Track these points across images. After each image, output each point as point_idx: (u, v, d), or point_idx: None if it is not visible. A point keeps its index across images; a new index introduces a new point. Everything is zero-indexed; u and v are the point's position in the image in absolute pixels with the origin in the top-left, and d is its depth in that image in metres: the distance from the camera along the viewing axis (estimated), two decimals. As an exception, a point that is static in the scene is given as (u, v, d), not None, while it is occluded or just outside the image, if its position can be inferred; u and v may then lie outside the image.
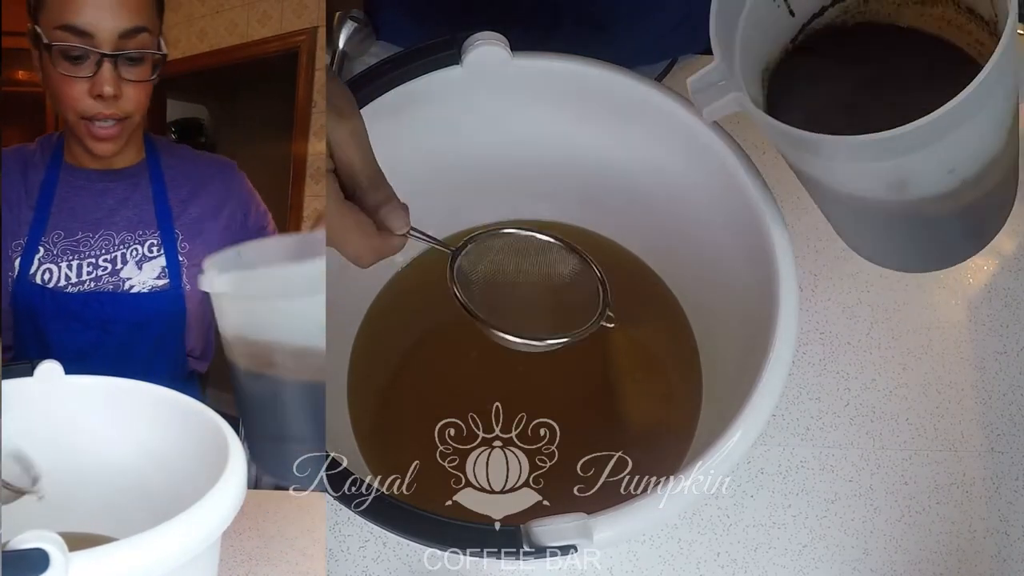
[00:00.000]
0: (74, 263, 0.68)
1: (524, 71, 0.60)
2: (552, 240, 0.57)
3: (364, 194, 0.48)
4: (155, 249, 0.69)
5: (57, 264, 0.68)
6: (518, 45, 0.58)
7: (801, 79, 0.53)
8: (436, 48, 0.58)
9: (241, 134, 1.09)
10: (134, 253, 0.69)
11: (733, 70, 0.51)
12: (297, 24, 1.03)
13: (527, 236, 0.56)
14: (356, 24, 0.75)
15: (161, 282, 0.69)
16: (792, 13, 0.52)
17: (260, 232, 0.73)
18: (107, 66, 0.65)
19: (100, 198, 0.70)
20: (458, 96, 0.61)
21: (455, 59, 0.58)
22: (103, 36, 0.64)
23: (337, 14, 0.72)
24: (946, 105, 0.39)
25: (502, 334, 0.54)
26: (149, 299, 0.69)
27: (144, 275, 0.68)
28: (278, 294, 0.54)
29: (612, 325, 0.55)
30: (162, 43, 0.68)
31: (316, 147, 0.97)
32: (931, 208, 0.48)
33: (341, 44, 0.77)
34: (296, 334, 0.55)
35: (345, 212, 0.47)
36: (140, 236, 0.69)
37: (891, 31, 0.52)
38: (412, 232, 0.51)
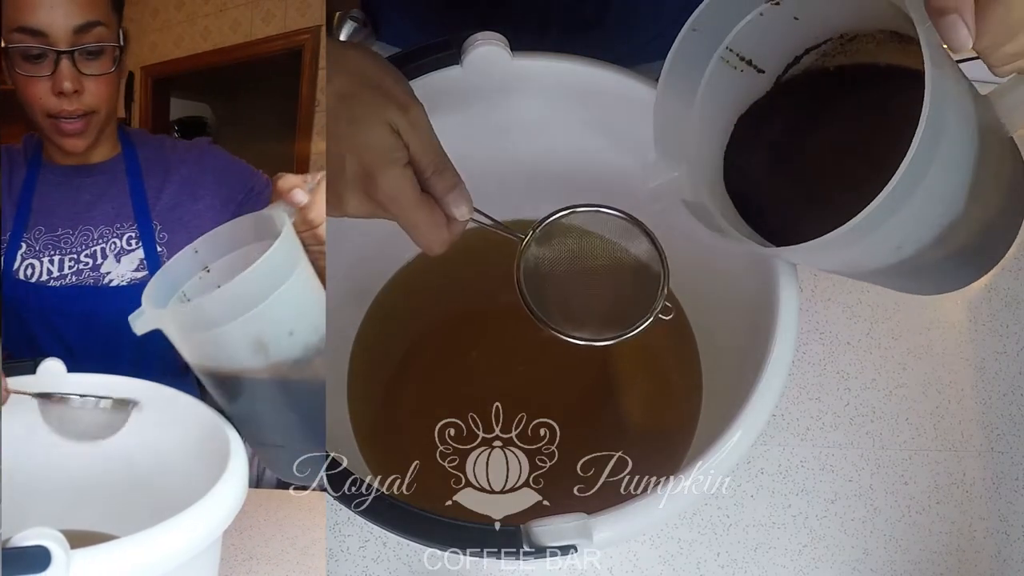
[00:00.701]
0: (56, 258, 0.69)
1: (524, 71, 0.60)
2: (621, 217, 0.54)
3: (429, 181, 0.49)
4: (133, 242, 0.69)
5: (39, 259, 0.68)
6: (512, 46, 0.58)
7: (771, 127, 0.52)
8: (436, 48, 0.59)
9: (244, 133, 1.09)
10: (113, 247, 0.69)
11: (684, 154, 0.52)
12: (301, 23, 1.03)
13: (592, 213, 0.54)
14: (356, 24, 0.75)
15: (140, 274, 0.69)
16: (761, 71, 0.52)
17: (262, 199, 0.72)
18: (65, 63, 0.65)
19: (77, 194, 0.71)
20: (458, 96, 0.61)
21: (455, 59, 0.58)
22: (58, 34, 0.65)
23: (337, 14, 0.72)
24: (861, 214, 0.39)
25: (560, 334, 0.53)
26: (129, 292, 0.68)
27: (123, 268, 0.69)
28: (213, 323, 0.51)
29: (669, 317, 0.54)
30: (121, 36, 0.69)
31: (319, 146, 0.97)
32: (886, 277, 0.49)
33: (342, 44, 0.76)
34: (242, 354, 0.53)
35: (419, 206, 0.48)
36: (118, 230, 0.70)
37: (874, 70, 0.50)
38: (476, 218, 0.51)
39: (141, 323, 0.53)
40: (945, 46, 0.40)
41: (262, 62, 1.08)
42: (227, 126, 1.17)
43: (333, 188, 0.49)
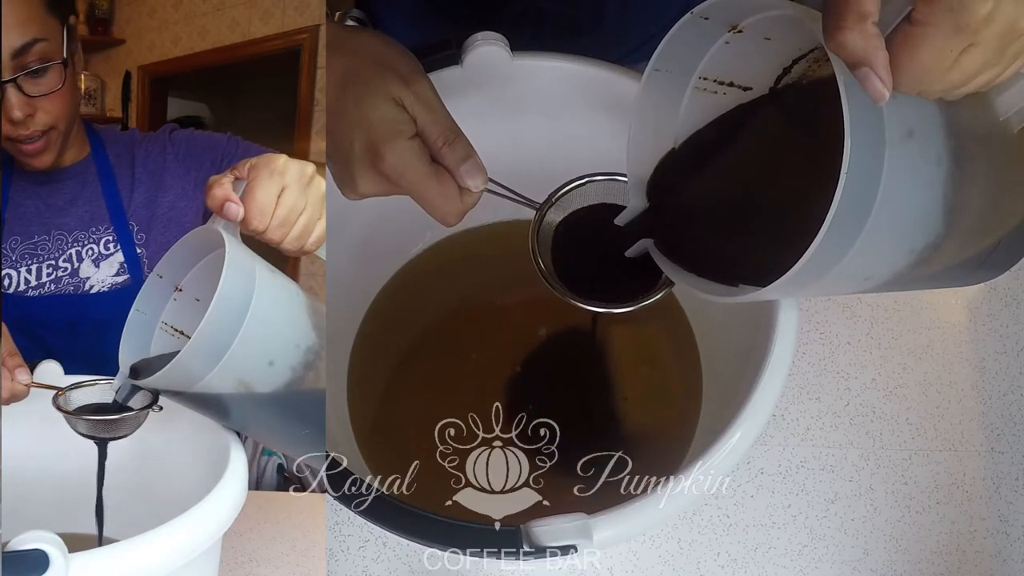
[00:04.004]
0: (33, 266, 0.67)
1: (524, 71, 0.60)
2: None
3: (440, 153, 0.48)
4: (111, 245, 0.68)
5: (16, 269, 0.67)
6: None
7: (737, 144, 0.50)
8: (436, 48, 0.59)
9: (243, 132, 1.09)
10: (90, 252, 0.68)
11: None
12: (299, 22, 1.03)
13: (608, 182, 0.53)
14: (356, 23, 0.75)
15: (121, 279, 0.68)
16: (748, 88, 0.49)
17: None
18: (10, 91, 0.62)
19: (49, 199, 0.69)
20: (458, 96, 0.61)
21: (455, 59, 0.58)
22: None
23: (337, 14, 0.72)
24: (786, 275, 0.38)
25: (577, 302, 0.52)
26: (111, 298, 0.67)
27: (102, 273, 0.67)
28: (192, 381, 0.48)
29: None
30: (65, 36, 0.64)
31: (319, 145, 0.97)
32: (875, 292, 0.47)
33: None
34: (229, 394, 0.50)
35: (429, 178, 0.47)
36: (94, 234, 0.68)
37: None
38: (490, 188, 0.50)
39: (121, 394, 0.51)
40: None
41: (260, 61, 1.08)
42: (225, 126, 1.16)
43: (346, 170, 0.48)
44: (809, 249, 0.37)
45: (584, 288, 0.52)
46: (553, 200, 0.53)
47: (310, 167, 0.51)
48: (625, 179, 0.52)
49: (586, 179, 0.53)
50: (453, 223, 0.49)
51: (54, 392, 0.53)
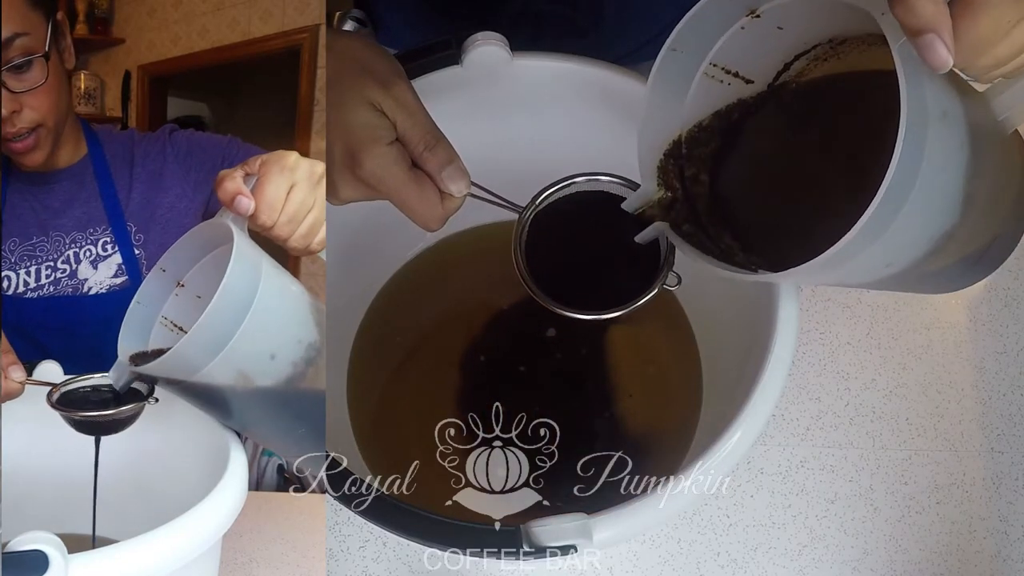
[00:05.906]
0: (32, 268, 0.67)
1: (524, 71, 0.60)
2: (619, 182, 0.52)
3: (421, 158, 0.48)
4: (109, 247, 0.68)
5: (15, 271, 0.67)
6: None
7: (752, 139, 0.50)
8: (436, 48, 0.59)
9: (243, 132, 1.09)
10: (87, 253, 0.67)
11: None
12: (299, 21, 1.03)
13: (591, 182, 0.52)
14: (356, 23, 0.75)
15: (119, 280, 0.67)
16: (750, 81, 0.49)
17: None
18: None
19: (46, 199, 0.69)
20: (458, 96, 0.61)
21: (455, 59, 0.58)
22: None
23: (337, 14, 0.72)
24: (828, 251, 0.37)
25: (562, 311, 0.51)
26: (109, 299, 0.67)
27: (100, 275, 0.67)
28: (192, 369, 0.48)
29: (676, 286, 0.51)
30: (49, 32, 0.63)
31: (319, 144, 0.97)
32: (882, 286, 0.48)
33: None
34: (228, 387, 0.50)
35: (409, 185, 0.47)
36: (92, 235, 0.68)
37: (861, 76, 0.47)
38: (473, 192, 0.49)
39: (119, 380, 0.51)
40: None
41: (260, 61, 1.08)
42: (225, 125, 1.17)
43: (328, 176, 0.48)
44: (859, 222, 0.36)
45: (572, 289, 0.51)
46: (537, 204, 0.52)
47: (320, 166, 0.51)
48: (608, 177, 0.51)
49: (569, 180, 0.52)
50: (435, 229, 0.49)
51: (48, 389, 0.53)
